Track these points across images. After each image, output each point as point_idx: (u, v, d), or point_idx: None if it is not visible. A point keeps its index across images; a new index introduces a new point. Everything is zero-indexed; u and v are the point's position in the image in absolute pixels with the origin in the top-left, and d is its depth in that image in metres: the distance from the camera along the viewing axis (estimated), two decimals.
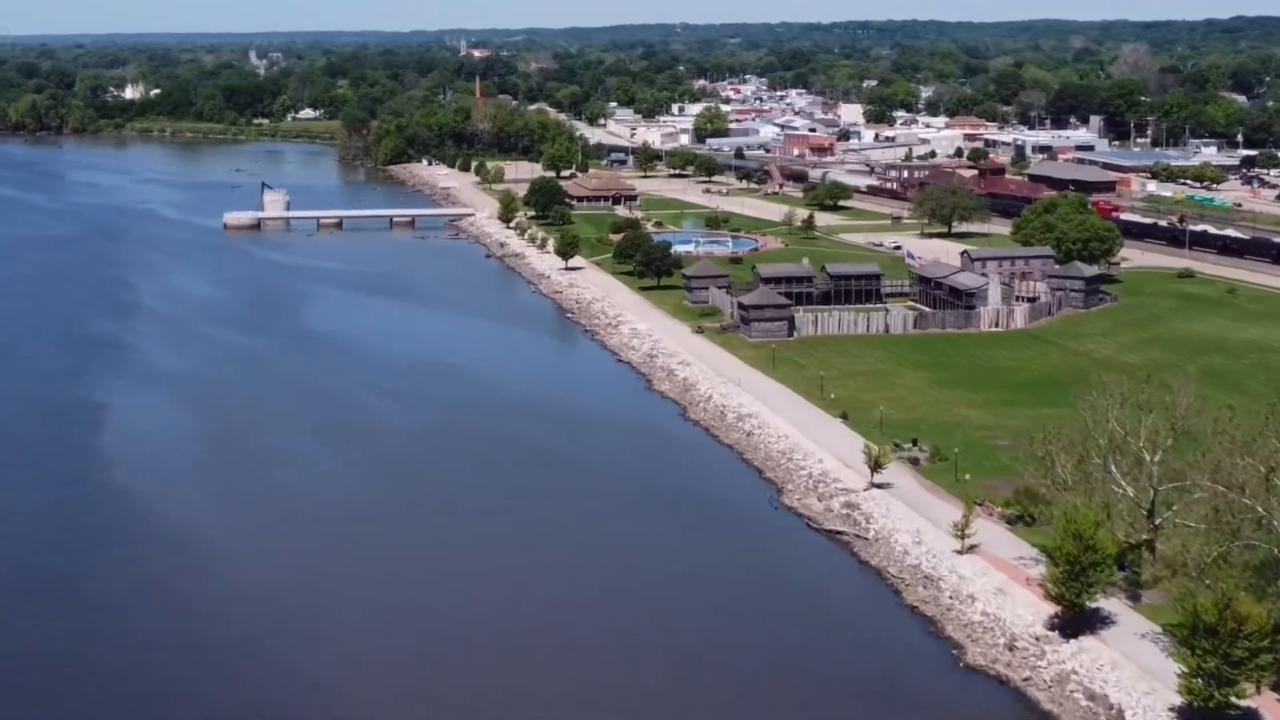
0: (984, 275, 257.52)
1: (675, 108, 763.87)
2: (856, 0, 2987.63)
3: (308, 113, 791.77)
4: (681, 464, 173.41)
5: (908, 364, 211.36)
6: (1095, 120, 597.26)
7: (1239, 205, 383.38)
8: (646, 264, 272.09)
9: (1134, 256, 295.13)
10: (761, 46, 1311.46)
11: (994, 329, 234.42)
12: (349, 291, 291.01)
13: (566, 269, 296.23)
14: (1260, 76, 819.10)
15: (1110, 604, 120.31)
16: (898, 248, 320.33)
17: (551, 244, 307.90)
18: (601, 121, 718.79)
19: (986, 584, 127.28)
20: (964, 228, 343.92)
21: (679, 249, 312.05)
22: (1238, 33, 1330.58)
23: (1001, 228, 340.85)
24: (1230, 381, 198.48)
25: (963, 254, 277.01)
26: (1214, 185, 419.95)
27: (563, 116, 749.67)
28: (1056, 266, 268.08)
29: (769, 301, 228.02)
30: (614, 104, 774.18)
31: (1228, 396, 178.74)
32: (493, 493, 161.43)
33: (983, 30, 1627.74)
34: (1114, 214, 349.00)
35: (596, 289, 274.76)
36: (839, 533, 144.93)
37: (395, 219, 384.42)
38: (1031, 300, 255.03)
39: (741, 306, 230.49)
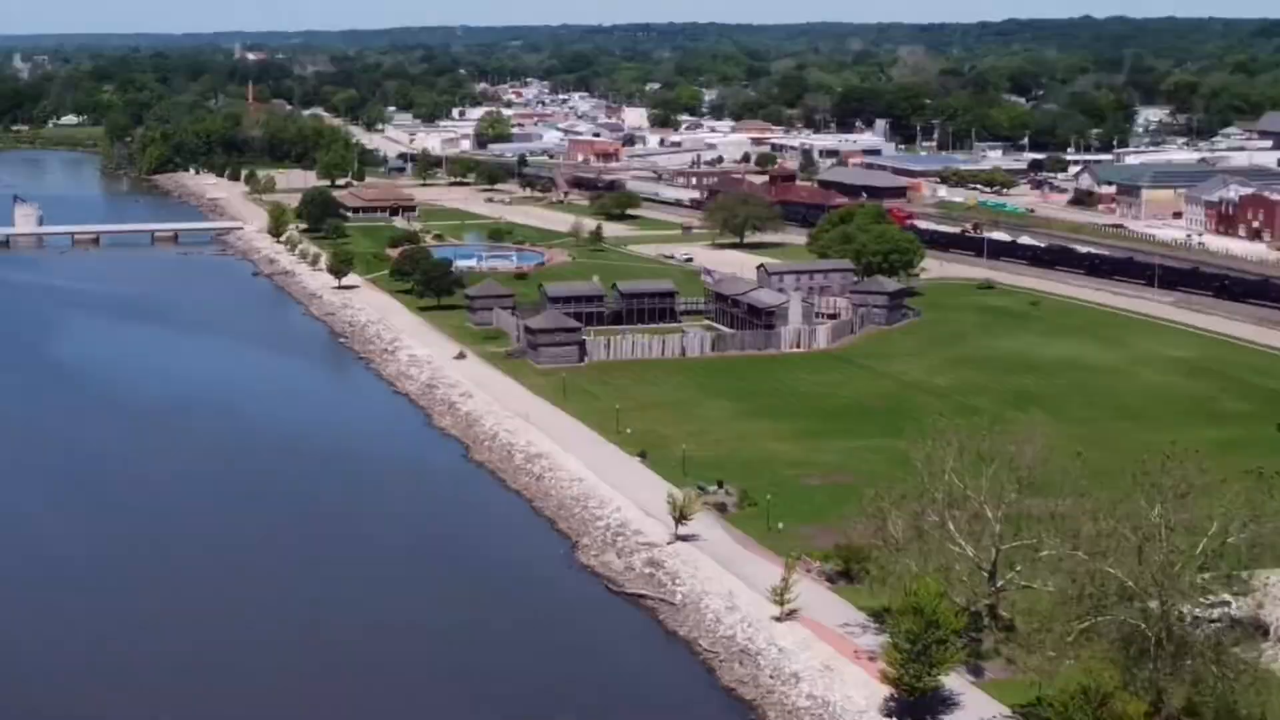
0: (783, 291, 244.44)
1: (456, 112, 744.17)
2: (636, 2, 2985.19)
3: (71, 119, 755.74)
4: (464, 514, 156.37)
5: (708, 391, 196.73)
6: (881, 124, 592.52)
7: (1031, 210, 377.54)
8: (425, 283, 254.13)
9: (933, 267, 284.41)
10: (543, 49, 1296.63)
11: (796, 349, 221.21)
12: (101, 316, 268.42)
13: (340, 288, 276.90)
14: (1037, 79, 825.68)
15: (951, 680, 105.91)
16: (689, 260, 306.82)
17: (324, 260, 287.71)
18: (380, 127, 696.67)
19: (811, 659, 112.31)
20: (757, 238, 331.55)
21: (460, 265, 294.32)
22: (1010, 35, 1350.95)
23: (796, 238, 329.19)
24: (1049, 404, 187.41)
25: (759, 268, 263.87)
26: (1005, 190, 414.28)
27: (339, 122, 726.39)
28: (857, 280, 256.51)
29: (557, 325, 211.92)
30: (392, 109, 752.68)
31: (1051, 423, 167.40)
32: (239, 553, 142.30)
33: (763, 32, 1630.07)
34: (909, 221, 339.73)
35: (372, 310, 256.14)
36: (642, 596, 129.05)
37: (157, 234, 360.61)
38: (833, 317, 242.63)
39: (528, 330, 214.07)
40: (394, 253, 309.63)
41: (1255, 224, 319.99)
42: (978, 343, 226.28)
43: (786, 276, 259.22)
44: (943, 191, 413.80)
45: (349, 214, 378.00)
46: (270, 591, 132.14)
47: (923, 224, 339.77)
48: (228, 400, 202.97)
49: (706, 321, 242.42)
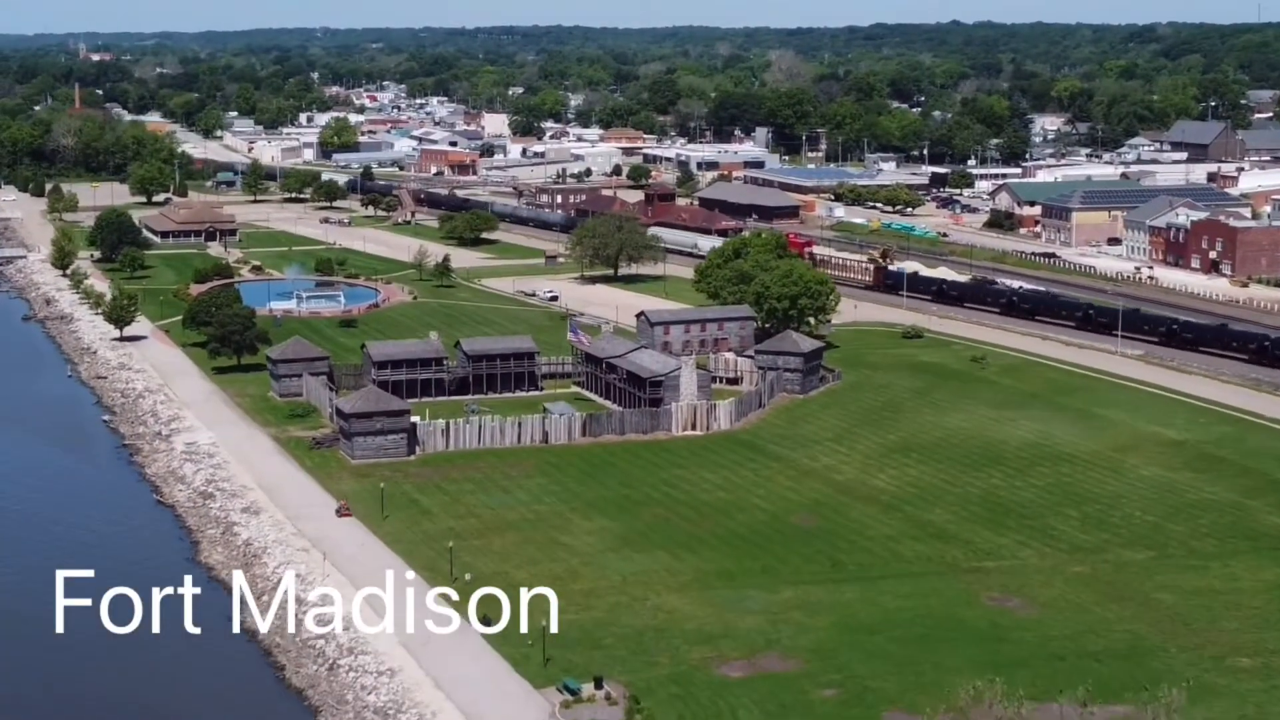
0: (670, 351, 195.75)
1: (304, 118, 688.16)
2: (500, 5, 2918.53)
3: None
4: None
5: (579, 502, 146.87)
6: (762, 132, 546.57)
7: (944, 235, 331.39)
8: (221, 339, 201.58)
9: (844, 308, 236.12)
10: (404, 52, 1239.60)
11: (691, 432, 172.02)
12: None
13: (122, 339, 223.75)
14: (917, 84, 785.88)
15: None
16: (553, 298, 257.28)
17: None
18: (218, 134, 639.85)
19: None
20: (633, 269, 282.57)
21: (276, 308, 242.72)
22: (880, 39, 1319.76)
23: (679, 269, 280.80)
24: (1033, 521, 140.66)
25: (639, 317, 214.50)
26: (910, 209, 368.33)
27: (175, 128, 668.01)
28: (760, 326, 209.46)
29: (378, 406, 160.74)
30: (234, 114, 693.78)
31: (1045, 555, 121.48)
32: None
33: (628, 36, 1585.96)
34: (808, 250, 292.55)
35: (154, 373, 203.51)
36: None
37: None
38: (733, 382, 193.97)
39: (340, 414, 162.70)
40: (199, 290, 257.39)
41: (1211, 254, 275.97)
42: (919, 419, 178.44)
43: (673, 328, 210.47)
44: (839, 211, 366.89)
45: (158, 238, 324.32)
46: None
47: (821, 249, 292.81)
48: None
49: (575, 388, 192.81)
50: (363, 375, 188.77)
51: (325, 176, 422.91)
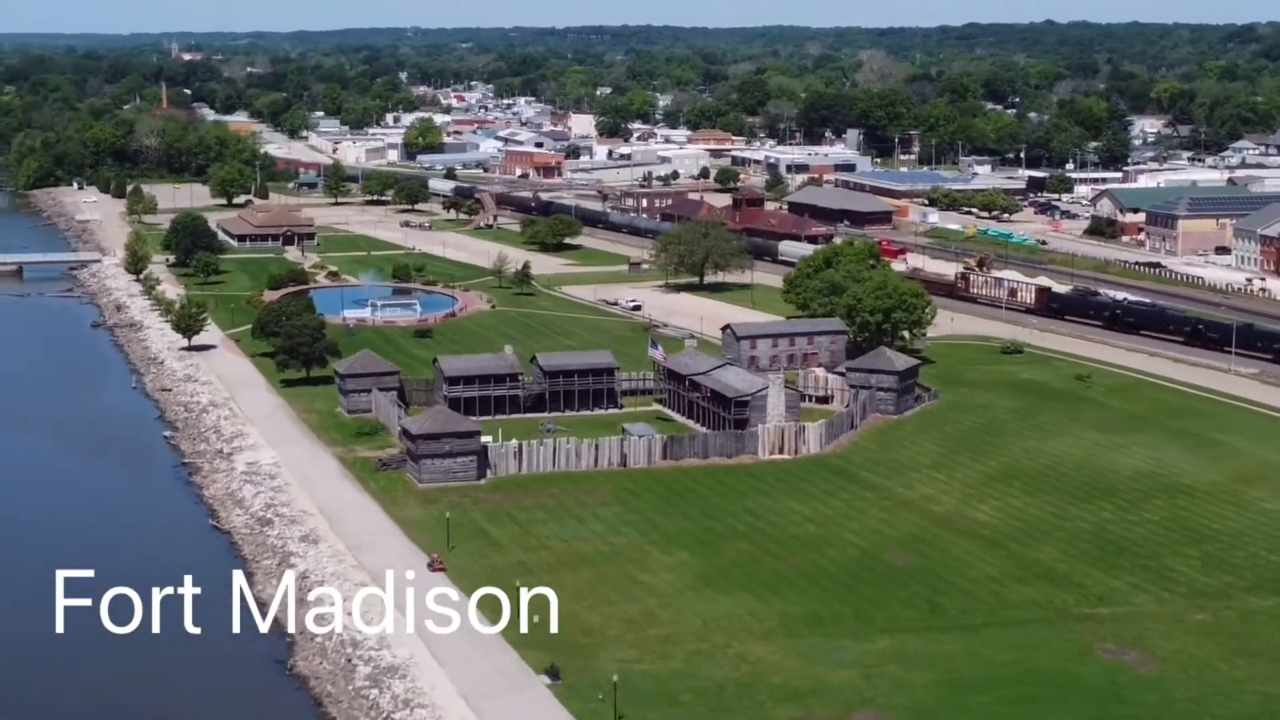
0: (760, 369, 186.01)
1: (390, 118, 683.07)
2: (590, 5, 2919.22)
3: None
4: None
5: (658, 534, 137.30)
6: (853, 134, 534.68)
7: (1043, 242, 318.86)
8: (289, 350, 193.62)
9: (941, 322, 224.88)
10: (492, 51, 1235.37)
11: (778, 456, 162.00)
12: None
13: (190, 348, 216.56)
14: (1012, 85, 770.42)
15: None
16: (636, 307, 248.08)
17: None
18: (304, 134, 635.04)
19: None
20: (720, 276, 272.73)
21: (350, 317, 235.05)
22: (972, 40, 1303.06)
23: (767, 277, 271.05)
24: (1149, 561, 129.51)
25: (725, 331, 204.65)
26: (1007, 215, 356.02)
27: (260, 128, 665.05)
28: (852, 339, 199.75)
29: (448, 428, 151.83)
30: (320, 114, 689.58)
31: (1163, 600, 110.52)
32: None
33: (718, 36, 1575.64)
34: (903, 257, 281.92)
35: (220, 385, 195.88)
36: None
37: None
38: (823, 401, 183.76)
39: (407, 434, 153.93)
40: (272, 297, 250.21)
41: None
42: (1021, 443, 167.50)
43: (760, 342, 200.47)
44: (934, 217, 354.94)
45: (234, 242, 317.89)
46: None
47: (919, 260, 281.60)
48: None
49: (657, 406, 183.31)
50: (434, 391, 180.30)
51: (435, 185, 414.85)
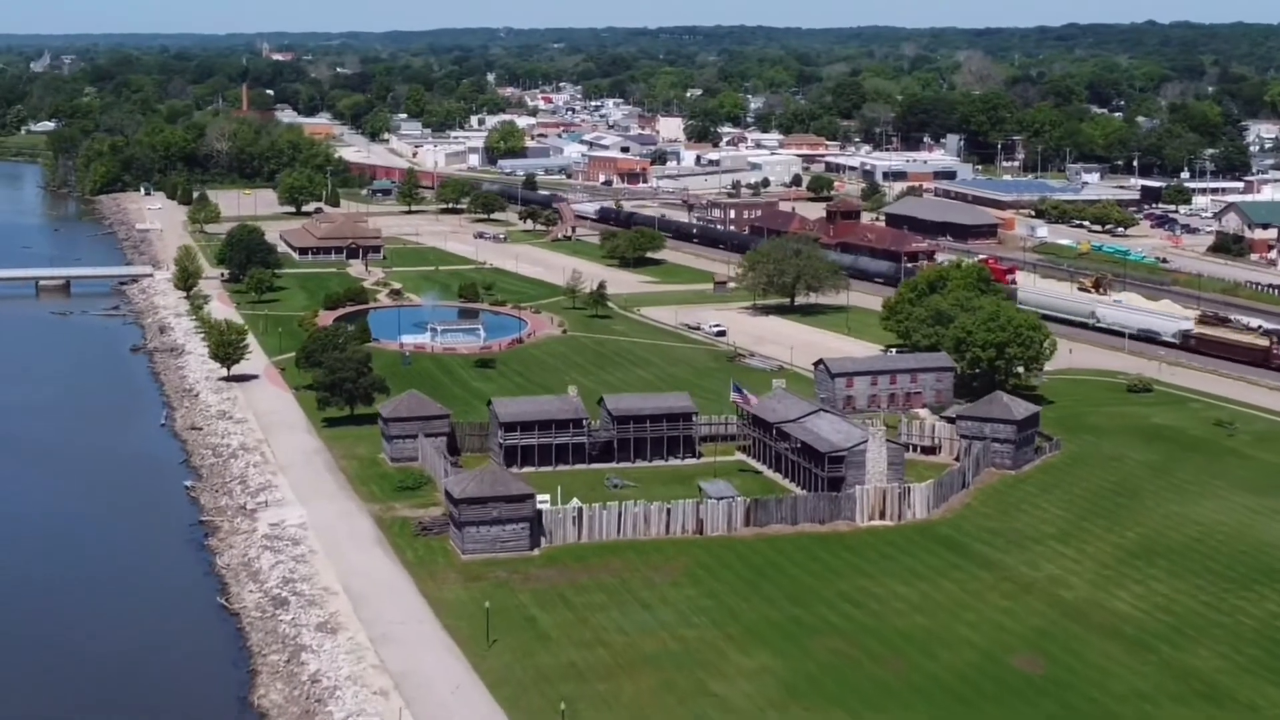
0: (856, 409, 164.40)
1: (474, 120, 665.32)
2: (683, 5, 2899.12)
3: (46, 125, 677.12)
4: None
5: (737, 626, 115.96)
6: (953, 140, 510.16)
7: (1163, 261, 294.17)
8: (331, 386, 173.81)
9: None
10: (583, 52, 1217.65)
11: (878, 522, 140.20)
12: None
13: (229, 379, 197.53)
14: (1117, 87, 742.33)
15: None
16: (721, 333, 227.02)
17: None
18: (385, 137, 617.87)
19: None
20: (812, 298, 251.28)
21: (406, 343, 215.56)
22: (1071, 40, 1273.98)
23: (863, 298, 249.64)
24: None
25: (818, 366, 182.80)
26: (1122, 229, 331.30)
27: (342, 130, 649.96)
28: (961, 376, 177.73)
29: (496, 490, 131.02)
30: (402, 116, 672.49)
31: None
32: None
33: (812, 37, 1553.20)
34: (1011, 277, 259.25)
35: (255, 424, 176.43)
36: None
37: (43, 282, 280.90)
38: (929, 451, 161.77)
39: (450, 498, 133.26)
40: (327, 318, 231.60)
41: None
42: (1162, 508, 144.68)
43: (857, 380, 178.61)
44: (1042, 230, 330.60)
45: (296, 255, 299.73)
46: None
47: (1030, 287, 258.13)
48: None
49: (739, 455, 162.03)
50: (489, 437, 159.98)
51: (512, 177, 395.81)
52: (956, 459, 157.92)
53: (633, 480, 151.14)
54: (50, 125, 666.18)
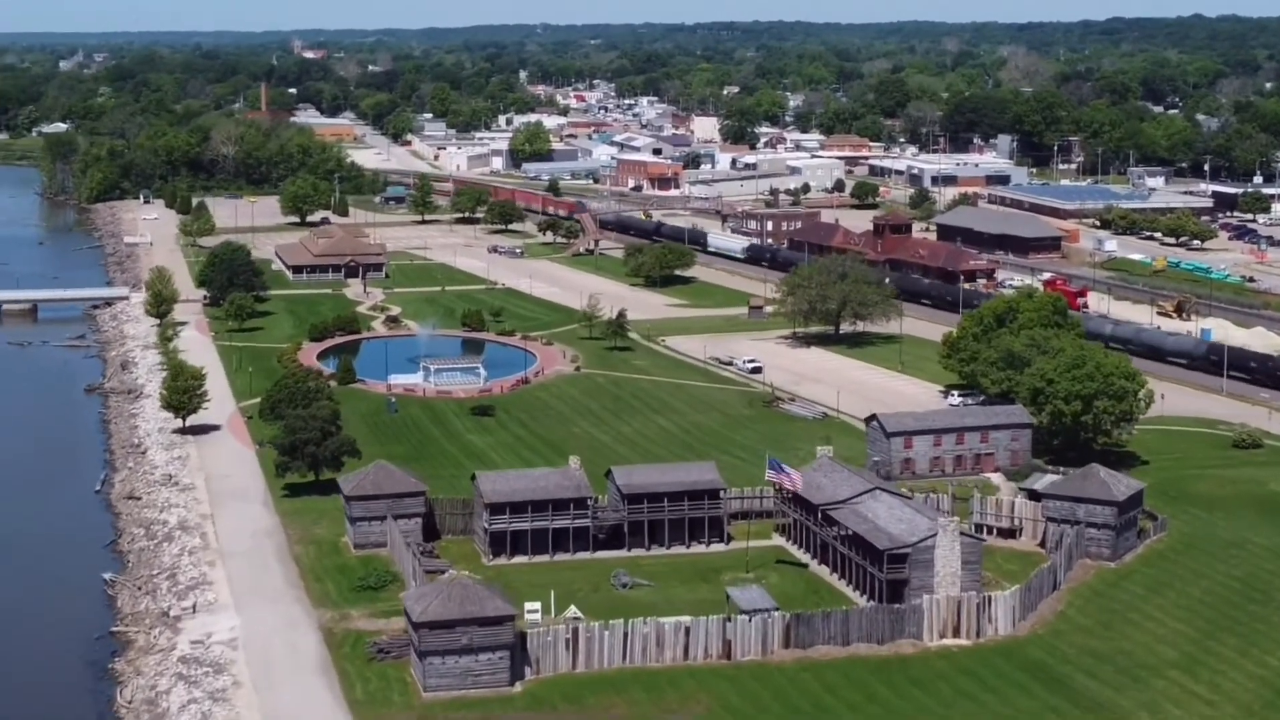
0: (916, 473, 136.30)
1: (503, 120, 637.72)
2: (721, 0, 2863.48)
3: (60, 127, 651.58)
4: None
5: None
6: (1005, 140, 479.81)
7: (1251, 280, 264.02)
8: (290, 450, 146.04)
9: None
10: (618, 49, 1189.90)
11: (951, 641, 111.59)
12: None
13: (184, 430, 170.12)
14: (1171, 83, 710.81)
15: None
16: (756, 369, 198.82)
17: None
18: (408, 137, 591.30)
19: None
20: (858, 326, 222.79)
21: (394, 384, 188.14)
22: (1117, 34, 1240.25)
23: (918, 325, 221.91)
24: None
25: (870, 424, 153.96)
26: (1199, 242, 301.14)
27: (364, 131, 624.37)
28: (1035, 451, 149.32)
29: (465, 612, 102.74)
30: (427, 115, 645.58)
31: None
32: None
33: (851, 32, 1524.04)
34: (1082, 300, 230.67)
35: (204, 492, 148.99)
36: None
37: (8, 306, 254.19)
38: (1008, 535, 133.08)
39: (411, 622, 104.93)
40: (311, 352, 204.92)
41: None
42: None
43: (917, 440, 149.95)
44: (1111, 244, 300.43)
45: (290, 274, 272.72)
46: None
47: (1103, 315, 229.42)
48: None
49: (776, 538, 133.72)
50: (473, 517, 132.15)
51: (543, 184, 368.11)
52: (1042, 545, 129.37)
53: (645, 579, 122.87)
54: (63, 127, 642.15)
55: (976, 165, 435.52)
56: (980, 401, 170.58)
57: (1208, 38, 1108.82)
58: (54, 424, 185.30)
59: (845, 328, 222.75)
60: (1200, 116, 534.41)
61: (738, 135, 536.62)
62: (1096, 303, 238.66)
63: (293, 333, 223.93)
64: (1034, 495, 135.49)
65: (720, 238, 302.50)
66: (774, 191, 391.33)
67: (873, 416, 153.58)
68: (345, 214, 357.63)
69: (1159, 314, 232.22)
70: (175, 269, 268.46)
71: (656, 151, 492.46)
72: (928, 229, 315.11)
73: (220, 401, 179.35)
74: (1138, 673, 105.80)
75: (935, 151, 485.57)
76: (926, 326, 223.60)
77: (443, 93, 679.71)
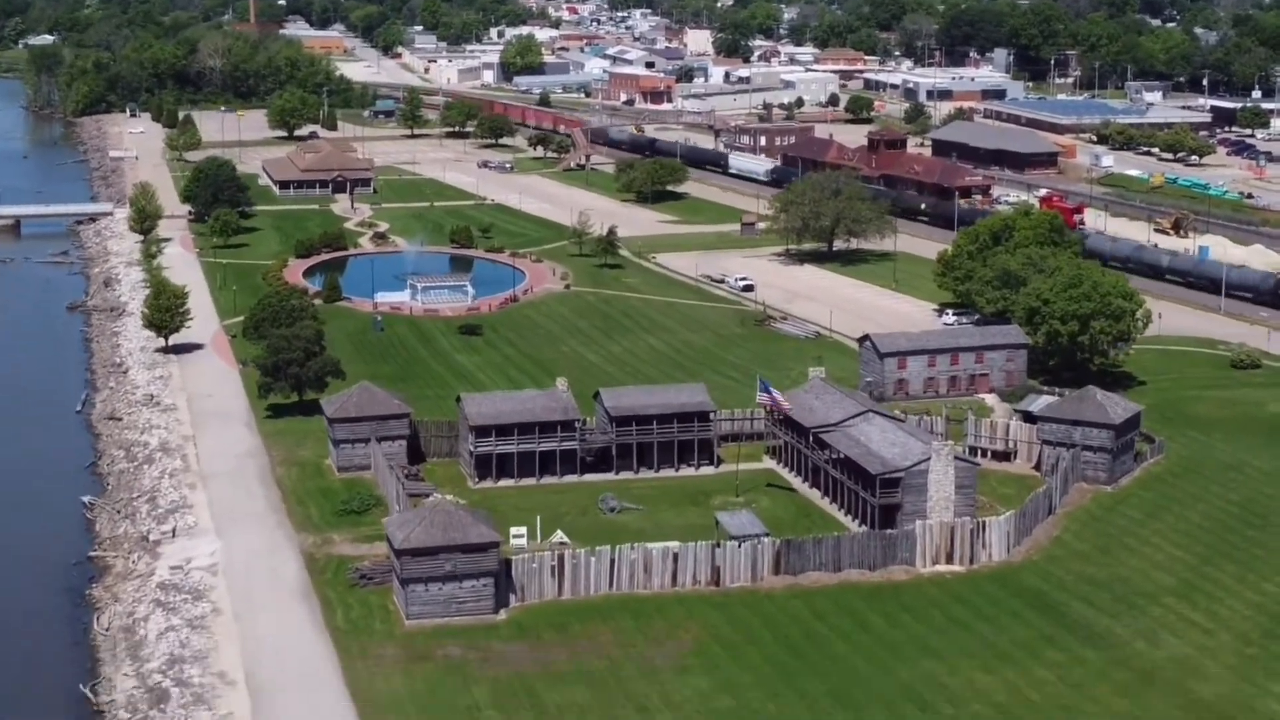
0: (909, 394, 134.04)
1: (494, 32, 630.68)
2: None
3: (46, 39, 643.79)
4: None
5: None
6: (1001, 54, 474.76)
7: (1248, 196, 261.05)
8: (273, 370, 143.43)
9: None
10: None
11: (944, 568, 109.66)
12: None
13: (167, 349, 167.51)
14: None
15: None
16: (747, 286, 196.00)
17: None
18: (398, 51, 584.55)
19: None
20: (853, 243, 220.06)
21: (382, 301, 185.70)
22: None
23: (913, 242, 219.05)
24: None
25: (863, 344, 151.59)
26: (1197, 158, 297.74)
27: (354, 44, 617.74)
28: (1034, 350, 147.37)
29: (450, 538, 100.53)
30: (418, 28, 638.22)
31: None
32: None
33: None
34: (1079, 218, 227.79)
35: (186, 413, 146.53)
36: None
37: None
38: (1003, 457, 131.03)
39: (393, 549, 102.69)
40: (297, 269, 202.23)
41: None
42: None
43: (912, 360, 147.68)
44: (1108, 160, 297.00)
45: (277, 190, 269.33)
46: None
47: (1101, 231, 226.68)
48: None
49: (766, 460, 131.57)
50: (459, 440, 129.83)
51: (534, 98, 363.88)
52: (1038, 468, 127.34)
53: (634, 503, 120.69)
54: (49, 39, 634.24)
55: (972, 79, 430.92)
56: (975, 321, 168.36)
57: None
58: (35, 343, 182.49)
59: (839, 245, 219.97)
60: (1199, 30, 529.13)
61: (731, 49, 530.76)
62: (1093, 220, 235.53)
63: (279, 249, 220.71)
64: (1029, 417, 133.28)
65: (742, 159, 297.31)
66: (767, 106, 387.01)
67: (866, 337, 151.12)
68: (334, 128, 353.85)
69: (1156, 231, 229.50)
70: (161, 184, 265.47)
71: (649, 65, 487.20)
72: (923, 144, 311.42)
73: (204, 320, 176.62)
74: (1134, 600, 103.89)
75: (931, 65, 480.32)
76: (922, 244, 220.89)
77: (434, 5, 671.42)
